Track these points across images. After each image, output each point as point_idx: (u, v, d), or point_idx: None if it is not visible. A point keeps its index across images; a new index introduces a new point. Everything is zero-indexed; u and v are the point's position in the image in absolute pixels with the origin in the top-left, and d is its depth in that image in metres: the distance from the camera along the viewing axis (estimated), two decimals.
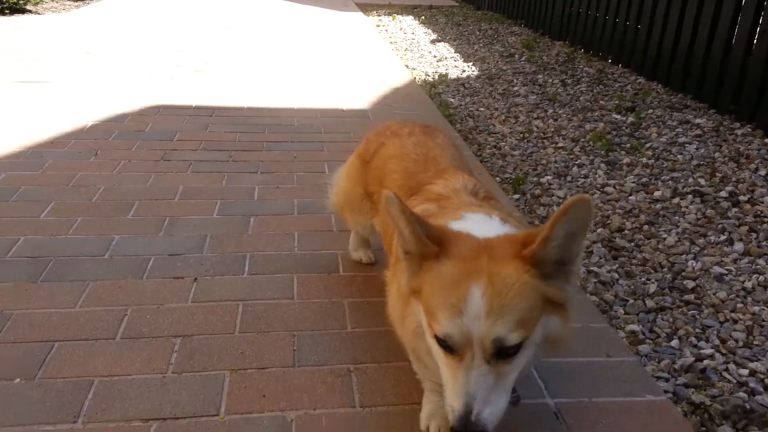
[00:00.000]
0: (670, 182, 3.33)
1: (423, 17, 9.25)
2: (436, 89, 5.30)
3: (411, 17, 9.40)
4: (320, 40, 7.30)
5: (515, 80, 5.54)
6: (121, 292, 2.14)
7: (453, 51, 6.90)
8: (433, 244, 1.24)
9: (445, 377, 1.22)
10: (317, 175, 3.26)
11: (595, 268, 2.52)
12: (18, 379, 1.71)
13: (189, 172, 3.23)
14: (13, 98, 4.37)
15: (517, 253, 1.21)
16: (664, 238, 2.77)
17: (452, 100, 5.00)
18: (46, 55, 5.78)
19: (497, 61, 6.30)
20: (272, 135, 3.88)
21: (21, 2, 8.10)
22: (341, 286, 2.25)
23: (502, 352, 1.16)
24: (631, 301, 2.33)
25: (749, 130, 4.00)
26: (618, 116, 4.45)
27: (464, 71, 5.97)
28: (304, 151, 3.62)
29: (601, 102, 4.81)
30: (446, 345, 1.19)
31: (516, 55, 6.54)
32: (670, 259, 2.61)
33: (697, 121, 4.23)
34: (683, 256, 2.62)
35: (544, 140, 4.07)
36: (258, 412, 1.63)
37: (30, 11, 8.16)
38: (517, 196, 3.24)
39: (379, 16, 9.58)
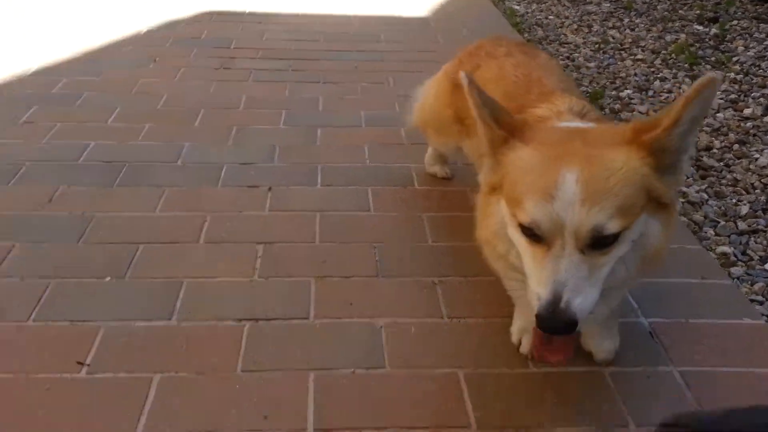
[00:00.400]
0: (761, 99, 3.08)
1: None
2: None
3: None
4: None
5: None
6: (197, 199, 2.12)
7: None
8: (502, 129, 1.19)
9: (529, 268, 1.14)
10: (381, 87, 3.13)
11: (682, 188, 2.39)
12: (108, 278, 1.73)
13: (250, 81, 3.14)
14: (63, 2, 4.27)
15: (632, 139, 1.12)
16: (756, 159, 2.59)
17: (517, 7, 4.67)
18: None
19: None
20: (330, 44, 3.71)
21: None
22: (417, 199, 2.19)
23: (598, 242, 1.07)
24: (722, 222, 2.20)
25: None
26: (700, 27, 4.09)
27: None
28: (364, 61, 3.46)
29: (680, 12, 4.42)
30: (532, 233, 1.10)
31: None
32: (762, 180, 2.44)
33: None
34: None
35: (622, 51, 3.79)
36: (347, 318, 1.63)
37: None
38: None
39: None
